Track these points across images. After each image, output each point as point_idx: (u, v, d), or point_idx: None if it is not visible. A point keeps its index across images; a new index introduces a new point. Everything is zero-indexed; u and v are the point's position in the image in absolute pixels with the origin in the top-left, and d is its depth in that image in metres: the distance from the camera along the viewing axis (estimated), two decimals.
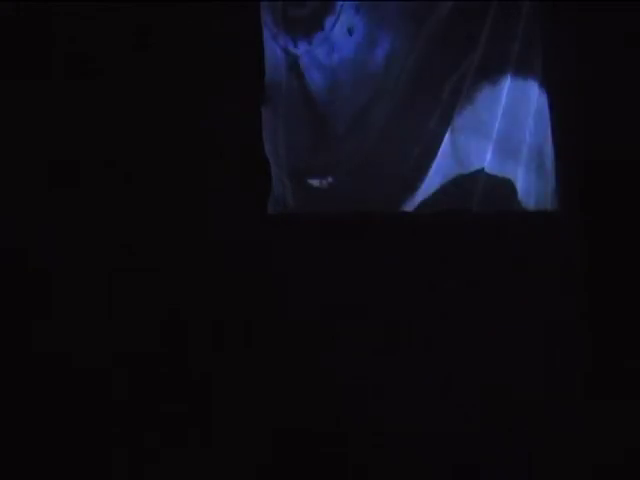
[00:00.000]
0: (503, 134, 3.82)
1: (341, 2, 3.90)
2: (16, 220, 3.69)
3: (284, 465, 3.59)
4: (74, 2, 3.73)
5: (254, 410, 3.64)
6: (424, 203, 3.84)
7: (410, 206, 3.84)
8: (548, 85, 3.79)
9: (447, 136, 3.84)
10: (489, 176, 3.81)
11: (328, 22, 3.91)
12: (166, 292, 3.72)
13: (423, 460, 3.57)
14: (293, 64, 3.94)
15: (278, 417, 3.63)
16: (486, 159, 3.82)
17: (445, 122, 3.84)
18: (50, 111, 3.74)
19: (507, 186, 3.82)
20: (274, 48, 3.91)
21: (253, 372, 3.65)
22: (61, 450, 3.58)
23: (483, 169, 3.81)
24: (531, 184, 3.82)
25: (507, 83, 3.82)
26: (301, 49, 3.93)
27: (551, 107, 3.78)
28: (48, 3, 3.72)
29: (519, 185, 3.81)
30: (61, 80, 3.75)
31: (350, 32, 3.90)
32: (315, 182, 3.90)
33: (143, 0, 3.74)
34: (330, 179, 3.89)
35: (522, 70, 3.82)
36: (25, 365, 3.62)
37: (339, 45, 3.91)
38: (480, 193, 3.81)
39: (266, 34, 3.90)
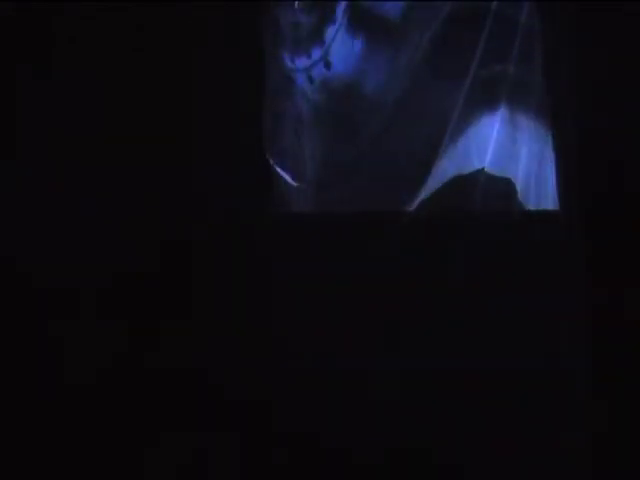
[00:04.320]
0: (503, 134, 3.82)
1: (341, 14, 3.91)
2: None
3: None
4: (74, 2, 3.73)
5: (253, 411, 3.64)
6: (424, 203, 3.84)
7: (410, 206, 3.84)
8: (548, 85, 3.79)
9: (447, 136, 3.84)
10: (489, 176, 3.82)
11: (328, 34, 3.91)
12: (166, 293, 3.71)
13: (420, 458, 3.59)
14: (293, 70, 3.94)
15: (278, 417, 3.63)
16: (486, 159, 3.83)
17: (445, 122, 3.84)
18: (50, 112, 3.74)
19: (507, 186, 3.82)
20: (273, 54, 3.92)
21: (252, 371, 3.64)
22: None
23: (483, 169, 3.82)
24: (531, 184, 3.82)
25: (507, 83, 3.83)
26: (300, 62, 3.93)
27: (551, 107, 3.78)
28: (48, 3, 3.72)
29: (519, 185, 3.81)
30: (61, 81, 3.75)
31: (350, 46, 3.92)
32: (315, 182, 3.91)
33: (143, 0, 3.74)
34: (331, 179, 3.89)
35: (522, 70, 3.82)
36: None
37: (339, 56, 3.91)
38: (480, 193, 3.81)
39: (266, 40, 3.90)
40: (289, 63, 3.92)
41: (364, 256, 3.70)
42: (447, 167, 3.85)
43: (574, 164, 3.71)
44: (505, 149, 3.84)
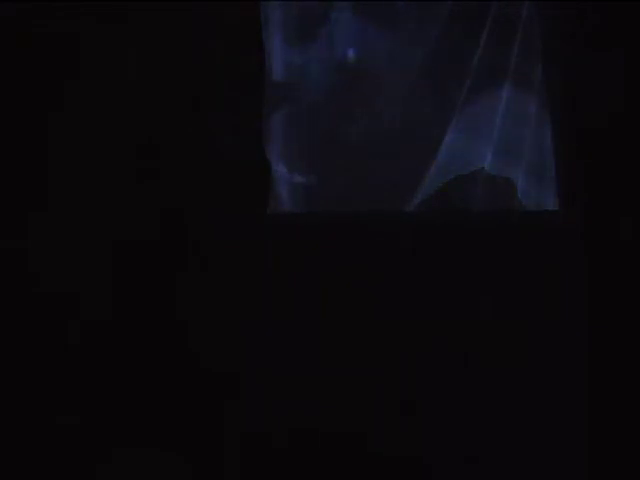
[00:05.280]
0: (503, 133, 3.82)
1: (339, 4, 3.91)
2: None
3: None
4: (74, 2, 3.72)
5: (250, 414, 3.64)
6: (424, 203, 3.84)
7: (410, 206, 3.84)
8: (548, 85, 3.79)
9: (447, 136, 3.84)
10: (489, 176, 3.82)
11: (321, 34, 3.91)
12: (166, 292, 3.71)
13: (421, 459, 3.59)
14: (294, 68, 3.94)
15: (278, 417, 3.63)
16: (486, 159, 3.83)
17: (445, 122, 3.84)
18: (50, 113, 3.74)
19: (507, 186, 3.82)
20: (274, 52, 3.91)
21: (250, 372, 3.64)
22: None
23: (483, 169, 3.82)
24: (531, 184, 3.83)
25: (507, 83, 3.83)
26: (301, 54, 3.93)
27: (551, 107, 3.78)
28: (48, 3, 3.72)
29: (519, 185, 3.82)
30: (60, 82, 3.75)
31: (349, 35, 3.91)
32: (315, 182, 3.90)
33: (145, 1, 3.74)
34: (330, 179, 3.89)
35: (522, 70, 3.83)
36: None
37: (343, 36, 3.91)
38: (480, 193, 3.81)
39: (267, 38, 3.90)
40: (297, 56, 3.92)
41: (363, 256, 3.70)
42: (447, 167, 3.85)
43: (574, 163, 3.72)
44: (505, 148, 3.84)
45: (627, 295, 3.60)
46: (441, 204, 3.83)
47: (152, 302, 3.68)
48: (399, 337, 3.65)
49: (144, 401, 3.63)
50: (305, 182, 3.90)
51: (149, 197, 3.72)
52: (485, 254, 3.68)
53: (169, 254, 3.71)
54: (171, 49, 3.76)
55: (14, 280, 3.66)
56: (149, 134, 3.75)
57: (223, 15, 3.76)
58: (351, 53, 3.91)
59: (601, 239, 3.65)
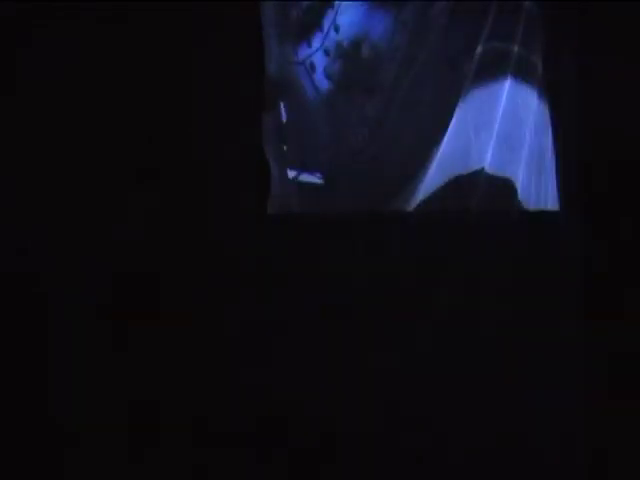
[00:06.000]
0: (503, 134, 3.82)
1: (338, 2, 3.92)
2: None
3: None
4: (75, 2, 3.73)
5: (251, 412, 3.64)
6: (424, 203, 3.84)
7: (410, 206, 3.84)
8: (548, 85, 3.80)
9: (447, 136, 3.84)
10: (489, 176, 3.82)
11: (325, 22, 3.92)
12: (166, 292, 3.71)
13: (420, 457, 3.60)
14: (294, 67, 3.94)
15: (277, 418, 3.63)
16: (486, 159, 3.82)
17: (445, 122, 3.84)
18: (50, 112, 3.74)
19: (507, 186, 3.82)
20: (276, 51, 3.91)
21: (250, 371, 3.65)
22: None
23: (483, 169, 3.82)
24: (531, 184, 3.83)
25: (507, 83, 3.83)
26: (301, 52, 3.93)
27: (551, 107, 3.79)
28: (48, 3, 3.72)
29: (519, 185, 3.82)
30: (60, 82, 3.75)
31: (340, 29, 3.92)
32: (315, 182, 3.90)
33: (145, 1, 3.74)
34: (330, 179, 3.89)
35: (522, 70, 3.83)
36: None
37: (346, 18, 3.91)
38: (480, 193, 3.81)
39: (267, 38, 3.90)
40: (305, 50, 3.91)
41: (363, 256, 3.70)
42: (447, 167, 3.84)
43: (574, 163, 3.72)
44: (505, 147, 3.84)
45: (626, 295, 3.61)
46: (441, 204, 3.83)
47: (152, 302, 3.68)
48: (399, 336, 3.65)
49: (144, 401, 3.63)
50: (305, 182, 3.90)
51: (149, 197, 3.72)
52: (485, 254, 3.68)
53: (169, 254, 3.72)
54: (171, 49, 3.76)
55: (14, 280, 3.67)
56: (149, 134, 3.75)
57: (223, 15, 3.76)
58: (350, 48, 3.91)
59: (601, 239, 3.65)
